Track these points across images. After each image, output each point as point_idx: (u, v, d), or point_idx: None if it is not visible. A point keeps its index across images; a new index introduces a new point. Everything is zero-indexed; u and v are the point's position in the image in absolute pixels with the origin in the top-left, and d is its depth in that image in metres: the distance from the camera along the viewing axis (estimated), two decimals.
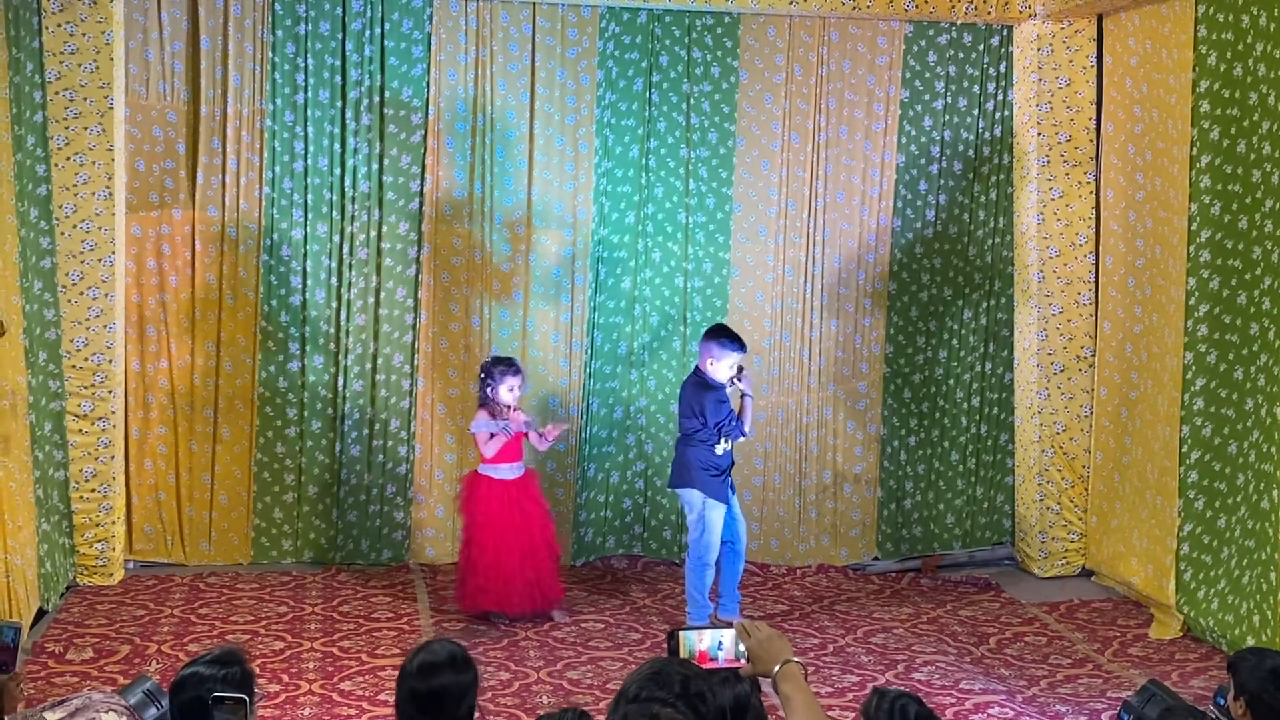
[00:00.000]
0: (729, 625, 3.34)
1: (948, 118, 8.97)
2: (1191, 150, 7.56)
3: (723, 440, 7.48)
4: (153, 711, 3.83)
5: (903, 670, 7.10)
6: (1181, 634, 7.64)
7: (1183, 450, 7.66)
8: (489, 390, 7.60)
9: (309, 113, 8.37)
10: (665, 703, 2.86)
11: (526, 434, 7.72)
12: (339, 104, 8.40)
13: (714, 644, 3.19)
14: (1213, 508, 7.48)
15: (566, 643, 7.41)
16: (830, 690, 6.77)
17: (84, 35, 7.72)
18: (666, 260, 8.85)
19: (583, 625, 7.69)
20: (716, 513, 7.55)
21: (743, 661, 3.20)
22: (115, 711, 3.18)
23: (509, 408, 7.60)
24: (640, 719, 2.80)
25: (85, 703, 3.19)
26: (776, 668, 3.13)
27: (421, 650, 3.83)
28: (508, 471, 7.64)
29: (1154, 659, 7.33)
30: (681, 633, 3.35)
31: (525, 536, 7.59)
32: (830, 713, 6.40)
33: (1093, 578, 8.76)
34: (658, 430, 8.88)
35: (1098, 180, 8.74)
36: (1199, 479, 7.57)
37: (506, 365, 7.67)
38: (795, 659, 3.16)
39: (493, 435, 7.56)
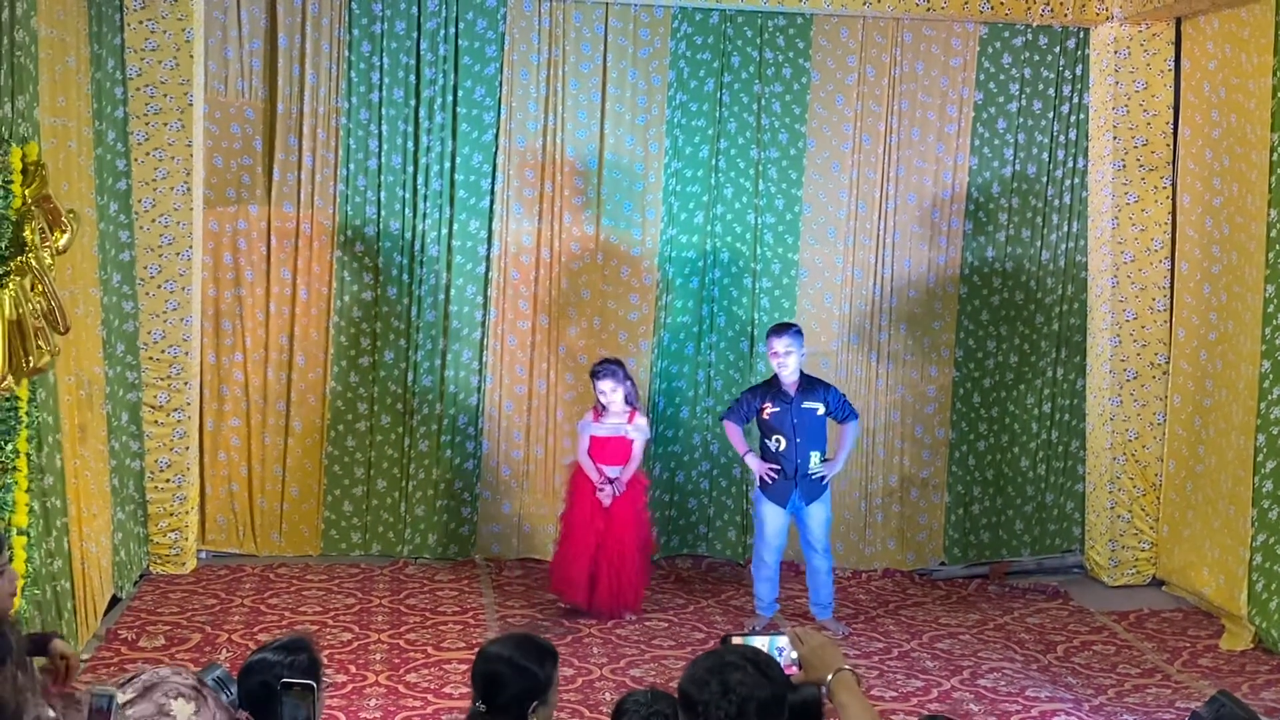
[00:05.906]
0: (781, 631, 3.32)
1: (1022, 120, 8.89)
2: (1271, 156, 7.44)
3: (775, 437, 7.52)
4: (221, 699, 3.88)
5: (968, 676, 7.05)
6: (1253, 645, 7.52)
7: (1257, 459, 7.54)
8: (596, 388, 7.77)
9: (383, 111, 8.46)
10: (736, 666, 2.97)
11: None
12: (413, 102, 8.48)
13: (773, 649, 3.17)
14: None
15: (630, 640, 7.43)
16: (895, 695, 6.74)
17: (165, 32, 7.85)
18: (735, 261, 8.84)
19: (646, 623, 7.70)
20: (765, 509, 7.64)
21: (795, 669, 3.18)
22: (184, 698, 3.21)
23: (626, 411, 7.70)
24: (712, 677, 2.93)
25: (155, 680, 3.20)
26: (830, 675, 3.11)
27: (503, 639, 3.86)
28: (608, 470, 7.72)
29: (1224, 670, 7.23)
30: (734, 638, 3.35)
31: (599, 532, 7.63)
32: (894, 718, 6.38)
33: (1163, 587, 8.65)
34: (723, 431, 8.86)
35: (1174, 185, 8.62)
36: (1274, 489, 7.45)
37: (599, 367, 7.77)
38: (847, 667, 3.14)
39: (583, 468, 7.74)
